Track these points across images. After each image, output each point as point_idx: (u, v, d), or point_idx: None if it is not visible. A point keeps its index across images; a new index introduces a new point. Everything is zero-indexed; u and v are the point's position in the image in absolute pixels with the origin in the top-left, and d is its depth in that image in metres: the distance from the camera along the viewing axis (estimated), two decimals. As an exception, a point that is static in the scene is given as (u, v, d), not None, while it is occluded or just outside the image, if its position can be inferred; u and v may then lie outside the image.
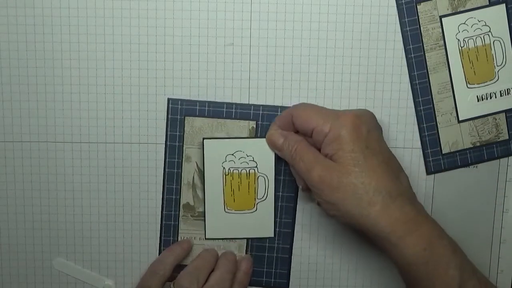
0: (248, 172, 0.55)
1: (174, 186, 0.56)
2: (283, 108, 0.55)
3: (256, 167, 0.55)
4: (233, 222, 0.56)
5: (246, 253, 0.57)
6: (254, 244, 0.57)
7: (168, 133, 0.55)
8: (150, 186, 0.56)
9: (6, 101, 0.54)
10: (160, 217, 0.56)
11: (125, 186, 0.56)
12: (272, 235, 0.56)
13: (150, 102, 0.55)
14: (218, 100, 0.55)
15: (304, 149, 0.49)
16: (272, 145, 0.53)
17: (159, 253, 0.57)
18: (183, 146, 0.55)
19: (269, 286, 0.57)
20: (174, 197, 0.56)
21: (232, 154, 0.55)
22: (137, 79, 0.54)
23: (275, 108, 0.55)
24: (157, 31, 0.53)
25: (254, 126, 0.55)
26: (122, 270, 0.57)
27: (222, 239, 0.57)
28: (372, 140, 0.48)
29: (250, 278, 0.56)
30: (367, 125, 0.48)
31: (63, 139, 0.55)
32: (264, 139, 0.54)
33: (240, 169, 0.55)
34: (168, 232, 0.56)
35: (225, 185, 0.55)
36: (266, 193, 0.56)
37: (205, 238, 0.56)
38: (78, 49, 0.54)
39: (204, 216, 0.56)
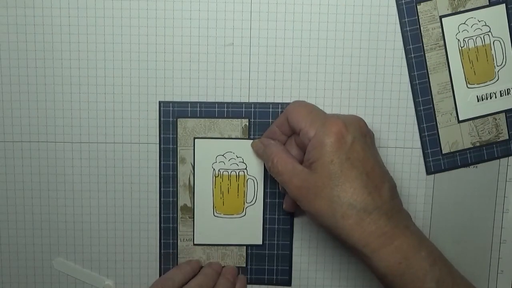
0: (237, 174, 0.55)
1: (170, 189, 0.56)
2: (274, 104, 0.55)
3: (245, 169, 0.55)
4: (221, 227, 0.56)
5: (246, 250, 0.57)
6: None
7: (161, 135, 0.55)
8: (150, 186, 0.56)
9: (6, 101, 0.54)
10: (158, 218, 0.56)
11: (125, 186, 0.56)
12: (261, 243, 0.57)
13: (150, 102, 0.55)
14: (218, 100, 0.55)
15: (282, 161, 0.49)
16: (255, 153, 0.54)
17: (160, 256, 0.57)
18: (177, 148, 0.55)
19: (271, 283, 0.58)
20: (171, 199, 0.56)
21: (223, 155, 0.55)
22: (137, 79, 0.54)
23: (266, 105, 0.55)
24: (157, 31, 0.53)
25: (247, 123, 0.55)
26: (122, 270, 0.57)
27: (210, 245, 0.57)
28: (356, 150, 0.47)
29: None
30: (352, 134, 0.47)
31: (63, 139, 0.55)
32: None
33: (230, 171, 0.55)
34: (167, 234, 0.56)
35: (215, 187, 0.55)
36: (255, 197, 0.56)
37: (193, 244, 0.56)
38: (78, 49, 0.54)
39: (193, 220, 0.56)
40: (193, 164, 0.55)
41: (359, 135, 0.48)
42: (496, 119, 0.56)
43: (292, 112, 0.50)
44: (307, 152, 0.48)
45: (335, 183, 0.46)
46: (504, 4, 0.54)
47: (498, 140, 0.56)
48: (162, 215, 0.56)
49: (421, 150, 0.56)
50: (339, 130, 0.47)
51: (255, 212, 0.56)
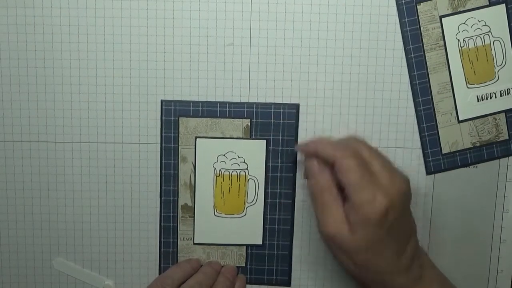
0: (238, 174, 0.55)
1: (171, 188, 0.56)
2: (276, 105, 0.55)
3: (247, 169, 0.55)
4: (222, 227, 0.56)
5: (246, 250, 0.57)
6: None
7: (163, 134, 0.55)
8: (150, 186, 0.56)
9: (6, 101, 0.54)
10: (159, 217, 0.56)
11: (125, 186, 0.56)
12: (261, 243, 0.57)
13: (150, 102, 0.55)
14: (218, 100, 0.55)
15: (327, 203, 0.48)
16: (306, 171, 0.51)
17: (160, 255, 0.57)
18: (178, 147, 0.55)
19: (271, 283, 0.58)
20: (171, 198, 0.56)
21: (224, 155, 0.55)
22: (137, 79, 0.54)
23: (268, 106, 0.55)
24: (157, 31, 0.53)
25: (249, 124, 0.55)
26: (122, 270, 0.57)
27: (210, 244, 0.57)
28: (396, 224, 0.47)
29: None
30: (397, 213, 0.47)
31: (63, 139, 0.55)
32: (256, 141, 0.55)
33: (231, 171, 0.55)
34: (168, 233, 0.56)
35: (216, 186, 0.55)
36: (255, 197, 0.56)
37: (193, 243, 0.56)
38: (78, 49, 0.54)
39: (194, 219, 0.56)
40: (194, 163, 0.55)
41: (402, 210, 0.48)
42: (496, 119, 0.56)
43: (343, 171, 0.48)
44: (349, 212, 0.47)
45: (366, 250, 0.47)
46: (504, 4, 0.54)
47: (498, 140, 0.56)
48: (162, 214, 0.56)
49: (421, 150, 0.56)
50: (386, 210, 0.46)
51: (256, 212, 0.56)
